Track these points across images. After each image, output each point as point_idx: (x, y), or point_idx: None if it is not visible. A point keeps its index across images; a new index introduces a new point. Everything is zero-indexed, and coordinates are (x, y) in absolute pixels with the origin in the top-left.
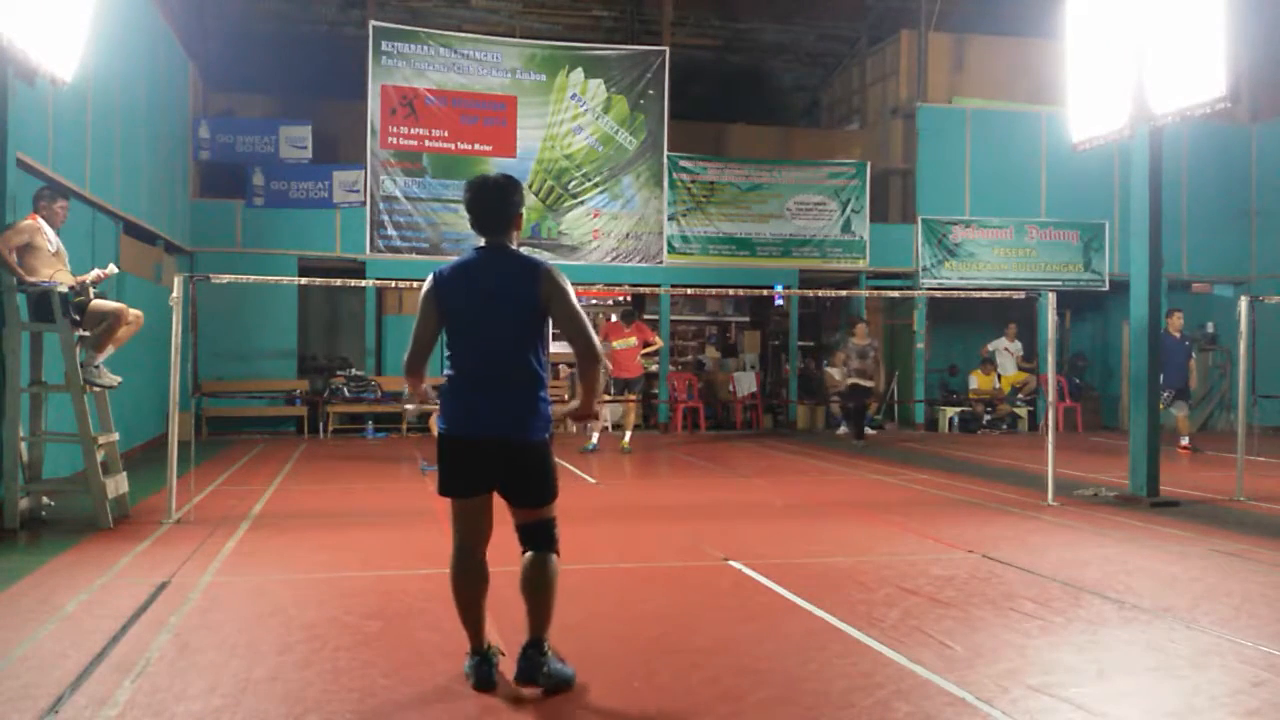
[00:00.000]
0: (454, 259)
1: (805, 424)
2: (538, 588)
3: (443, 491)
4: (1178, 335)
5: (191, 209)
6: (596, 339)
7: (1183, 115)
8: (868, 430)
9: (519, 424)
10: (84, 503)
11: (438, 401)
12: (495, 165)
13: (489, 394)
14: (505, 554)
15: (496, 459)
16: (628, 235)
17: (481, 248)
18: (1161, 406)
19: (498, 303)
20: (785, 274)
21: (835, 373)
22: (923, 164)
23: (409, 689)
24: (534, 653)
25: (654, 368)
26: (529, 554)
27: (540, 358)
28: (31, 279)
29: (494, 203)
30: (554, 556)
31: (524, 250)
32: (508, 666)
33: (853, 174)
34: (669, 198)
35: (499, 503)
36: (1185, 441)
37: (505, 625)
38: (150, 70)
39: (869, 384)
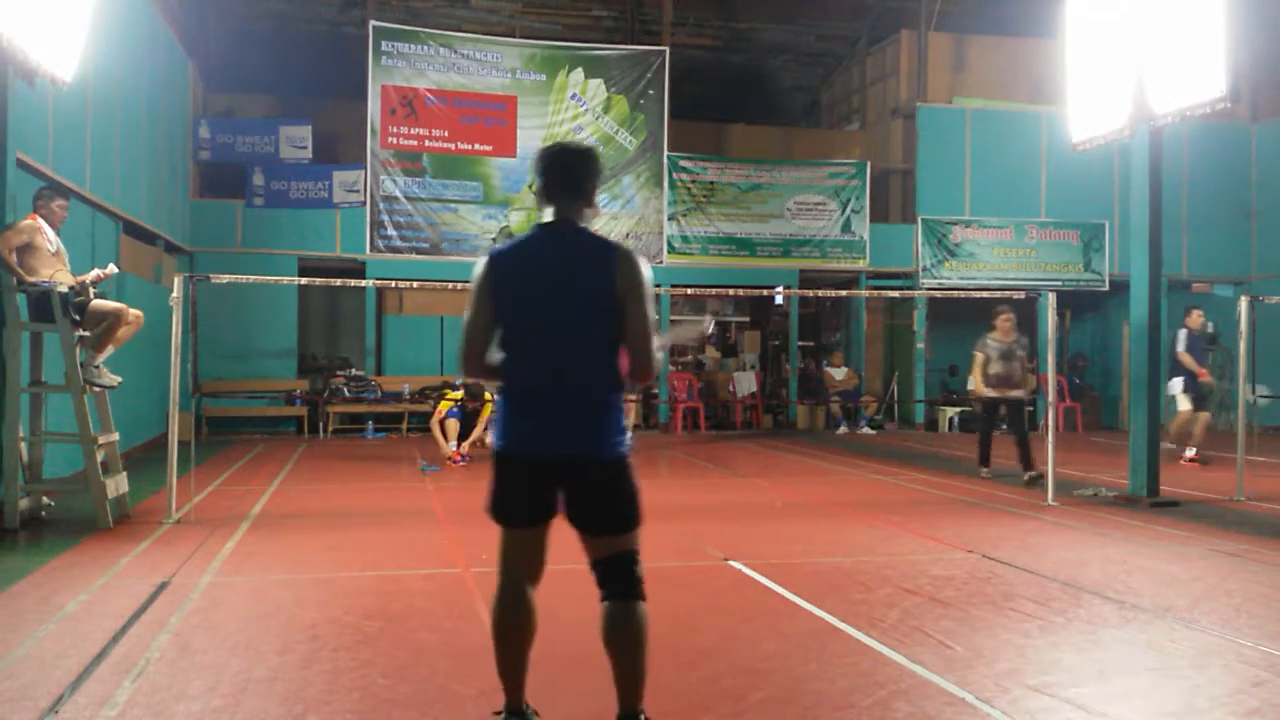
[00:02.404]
0: (513, 239)
1: (805, 424)
2: (625, 646)
3: (496, 519)
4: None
5: (191, 209)
6: (659, 357)
7: (1183, 115)
8: (866, 430)
9: (593, 438)
10: (84, 503)
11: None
12: (495, 165)
13: (555, 403)
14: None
15: (567, 483)
16: (628, 235)
17: (545, 224)
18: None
19: (565, 290)
20: (785, 274)
21: (972, 377)
22: (923, 164)
23: (409, 689)
24: None
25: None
26: (610, 603)
27: (615, 356)
28: (31, 279)
29: (569, 165)
30: (642, 605)
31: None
32: None
33: (853, 174)
34: (669, 198)
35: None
36: (1191, 453)
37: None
38: (150, 70)
39: (1017, 393)
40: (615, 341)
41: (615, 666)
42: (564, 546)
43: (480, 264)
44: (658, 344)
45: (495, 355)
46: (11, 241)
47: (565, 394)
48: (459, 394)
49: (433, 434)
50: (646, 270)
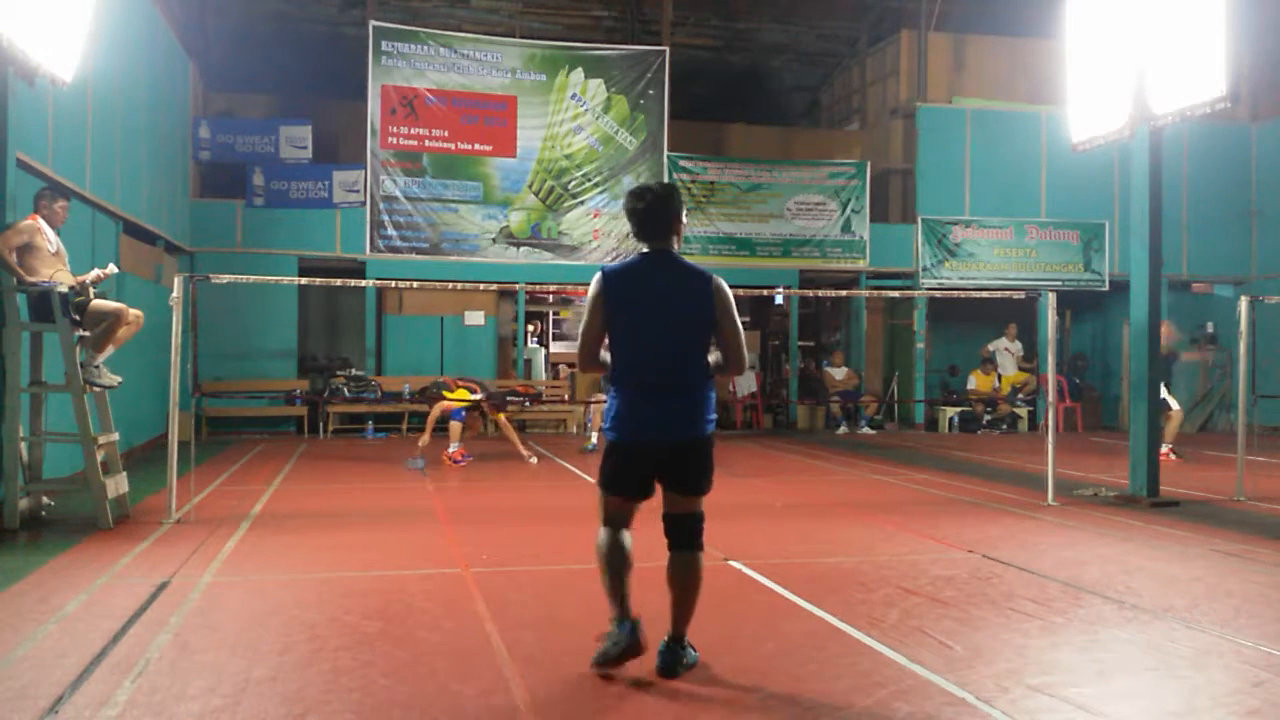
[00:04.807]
0: (617, 262)
1: (805, 424)
2: (687, 585)
3: (609, 490)
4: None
5: (191, 209)
6: (747, 356)
7: (1183, 115)
8: (866, 430)
9: (696, 424)
10: (84, 503)
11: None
12: (495, 165)
13: (669, 399)
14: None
15: (671, 458)
16: (628, 235)
17: (647, 253)
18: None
19: (670, 309)
20: (785, 274)
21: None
22: (923, 164)
23: (409, 689)
24: (676, 647)
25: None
26: (678, 553)
27: (706, 360)
28: (31, 279)
29: (658, 209)
30: (700, 555)
31: (524, 249)
32: (503, 659)
33: (853, 174)
34: None
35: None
36: (1164, 448)
37: (508, 622)
38: (150, 70)
39: None
40: (706, 349)
41: (674, 601)
42: (565, 549)
43: (595, 283)
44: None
45: (605, 355)
46: (11, 242)
47: (668, 391)
48: (476, 396)
49: (426, 424)
50: (729, 293)
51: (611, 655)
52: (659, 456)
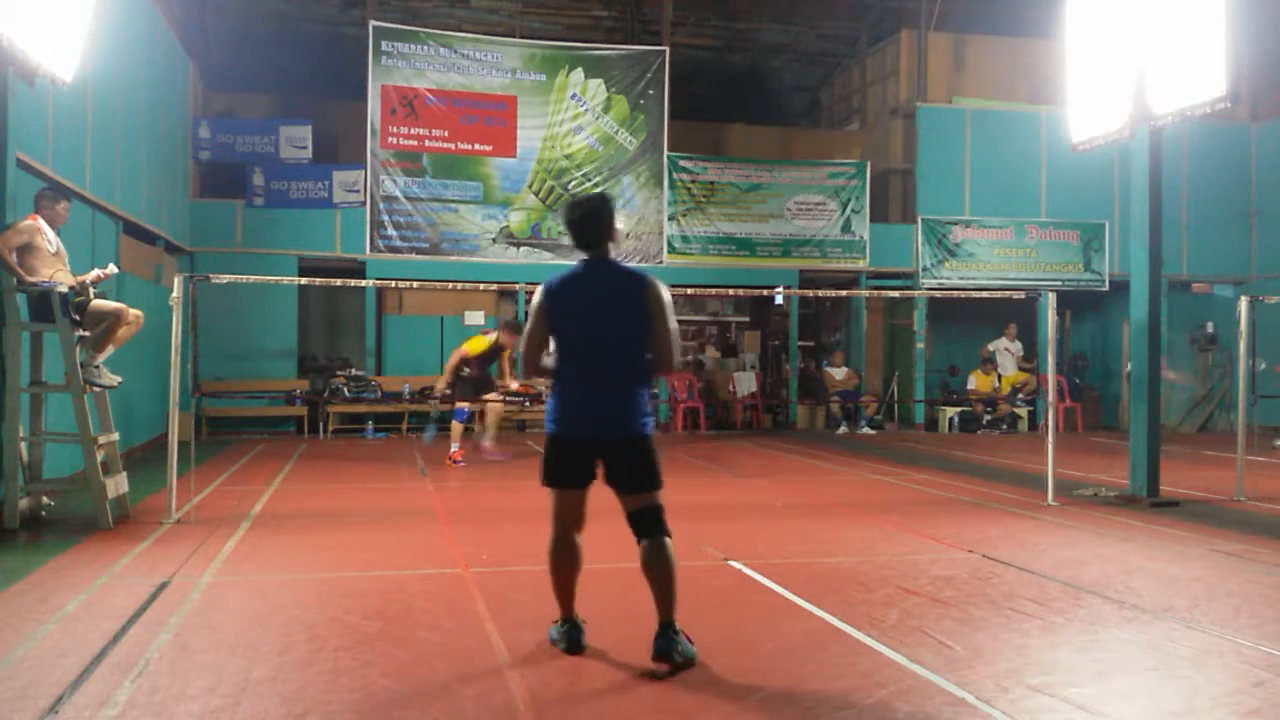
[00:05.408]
0: (562, 271)
1: (805, 424)
2: (659, 569)
3: (549, 484)
4: None
5: (191, 209)
6: (679, 356)
7: (1183, 115)
8: (866, 430)
9: (630, 421)
10: (84, 503)
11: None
12: (495, 165)
13: (603, 396)
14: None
15: (608, 455)
16: (628, 235)
17: (586, 260)
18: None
19: (606, 311)
20: (785, 274)
21: None
22: (923, 164)
23: (409, 689)
24: (669, 632)
25: None
26: (645, 541)
27: (644, 360)
28: (31, 279)
29: (591, 219)
30: (668, 539)
31: (524, 249)
32: (502, 655)
33: (853, 174)
34: (669, 198)
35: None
36: None
37: (508, 623)
38: (150, 70)
39: None
40: (641, 349)
41: (653, 589)
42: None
43: (539, 294)
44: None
45: (548, 360)
46: (12, 242)
47: (605, 388)
48: (490, 337)
49: (445, 369)
50: (666, 293)
51: (563, 649)
52: (594, 452)
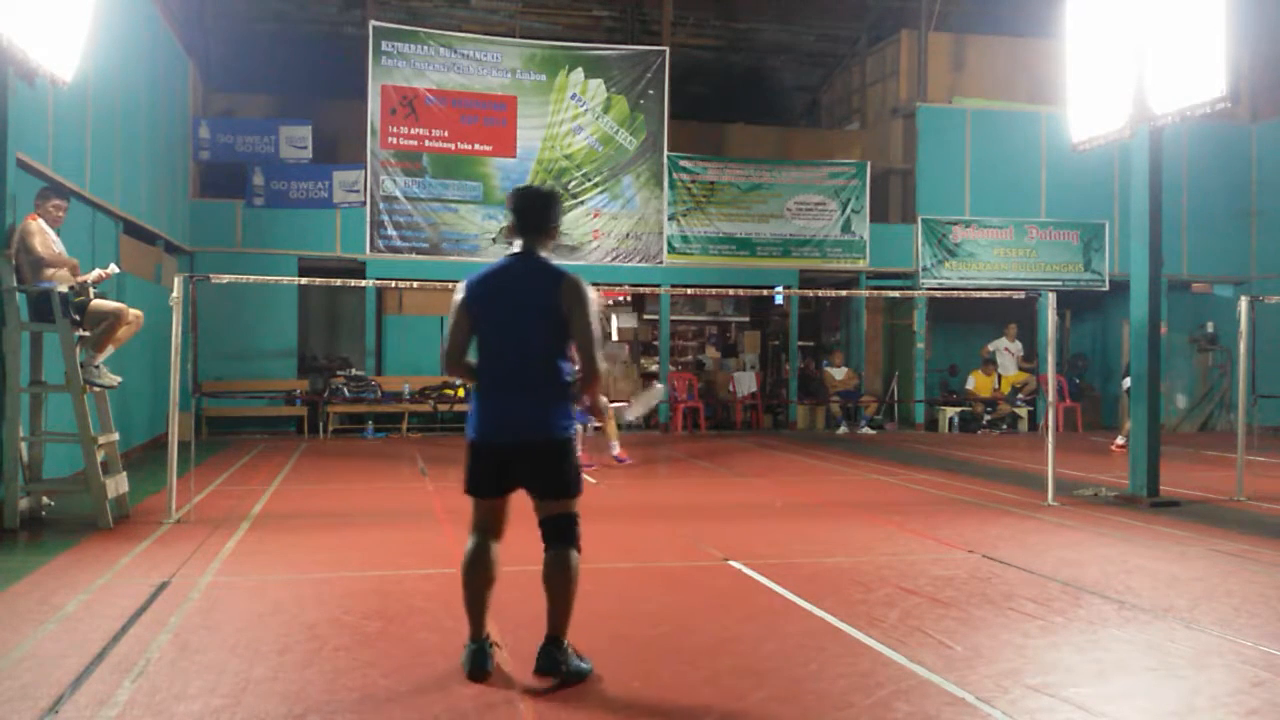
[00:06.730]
0: (485, 266)
1: (805, 424)
2: (558, 583)
3: (469, 492)
4: None
5: (191, 209)
6: (601, 359)
7: (1183, 115)
8: (866, 430)
9: (543, 424)
10: (84, 503)
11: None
12: (495, 165)
13: (515, 398)
14: (516, 554)
15: (522, 460)
16: (628, 235)
17: (513, 254)
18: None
19: (522, 309)
20: (785, 274)
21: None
22: (923, 164)
23: (409, 689)
24: (553, 648)
25: (654, 367)
26: (550, 551)
27: (563, 360)
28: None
29: (535, 208)
30: (575, 553)
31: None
32: (504, 659)
33: (853, 174)
34: (669, 198)
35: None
36: (1121, 440)
37: (507, 624)
38: (150, 70)
39: None
40: (559, 349)
41: (550, 600)
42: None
43: (459, 289)
44: (604, 365)
45: (472, 359)
46: (47, 243)
47: (521, 390)
48: None
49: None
50: (590, 291)
51: (466, 673)
52: (506, 456)
